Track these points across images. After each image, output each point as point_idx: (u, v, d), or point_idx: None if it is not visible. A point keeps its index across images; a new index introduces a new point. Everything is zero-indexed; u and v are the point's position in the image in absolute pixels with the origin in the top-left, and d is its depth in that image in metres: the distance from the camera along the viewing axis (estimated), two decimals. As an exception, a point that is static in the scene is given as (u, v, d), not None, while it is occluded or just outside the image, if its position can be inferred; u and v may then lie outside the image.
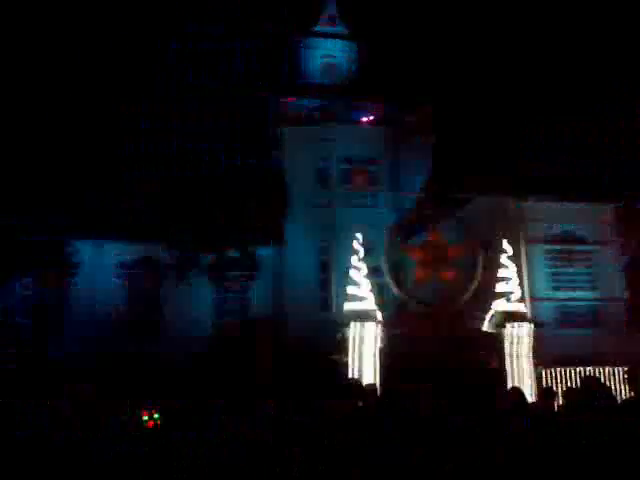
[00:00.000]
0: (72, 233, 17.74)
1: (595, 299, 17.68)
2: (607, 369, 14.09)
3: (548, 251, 17.84)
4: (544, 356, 14.55)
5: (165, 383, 12.69)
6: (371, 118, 24.17)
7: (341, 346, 15.29)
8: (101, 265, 20.37)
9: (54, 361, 15.56)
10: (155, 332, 19.84)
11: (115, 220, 18.63)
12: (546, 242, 17.81)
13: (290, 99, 24.71)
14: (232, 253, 18.24)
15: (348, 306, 15.86)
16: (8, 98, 16.67)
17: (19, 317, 15.93)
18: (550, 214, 17.80)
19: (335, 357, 14.99)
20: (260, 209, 17.90)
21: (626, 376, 6.14)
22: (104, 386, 8.20)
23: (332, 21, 27.99)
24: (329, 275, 21.83)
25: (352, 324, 15.08)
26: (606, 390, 5.21)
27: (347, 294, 17.80)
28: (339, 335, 15.58)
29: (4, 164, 15.26)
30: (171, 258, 18.73)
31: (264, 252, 19.85)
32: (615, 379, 14.26)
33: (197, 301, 19.48)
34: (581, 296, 17.65)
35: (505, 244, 15.85)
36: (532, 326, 14.83)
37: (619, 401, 5.75)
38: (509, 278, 15.47)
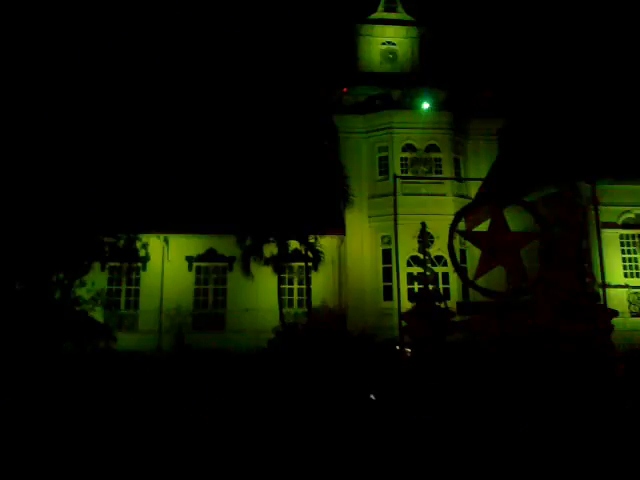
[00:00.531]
0: (139, 228, 18.32)
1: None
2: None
3: (622, 236, 16.97)
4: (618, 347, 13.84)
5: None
6: (433, 104, 23.63)
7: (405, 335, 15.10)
8: (169, 259, 21.06)
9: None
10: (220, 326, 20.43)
11: (181, 214, 19.12)
12: (621, 227, 16.94)
13: (349, 87, 24.55)
14: (294, 244, 18.33)
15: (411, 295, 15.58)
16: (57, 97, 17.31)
17: (93, 310, 16.62)
18: (624, 197, 16.90)
19: (397, 347, 14.80)
20: (321, 199, 17.89)
21: None
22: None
23: (391, 7, 27.58)
24: (392, 264, 21.66)
25: (417, 311, 14.81)
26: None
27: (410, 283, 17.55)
28: (403, 324, 15.39)
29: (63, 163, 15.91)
30: (235, 251, 19.06)
31: (325, 242, 19.89)
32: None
33: (262, 293, 19.78)
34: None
35: (578, 230, 15.19)
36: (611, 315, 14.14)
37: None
38: (585, 265, 14.78)
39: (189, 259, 21.38)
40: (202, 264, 21.46)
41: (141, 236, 18.66)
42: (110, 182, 16.35)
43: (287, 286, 20.77)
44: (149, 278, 20.94)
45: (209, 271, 21.48)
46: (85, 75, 18.96)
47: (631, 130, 17.30)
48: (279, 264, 17.77)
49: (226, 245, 20.23)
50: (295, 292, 21.25)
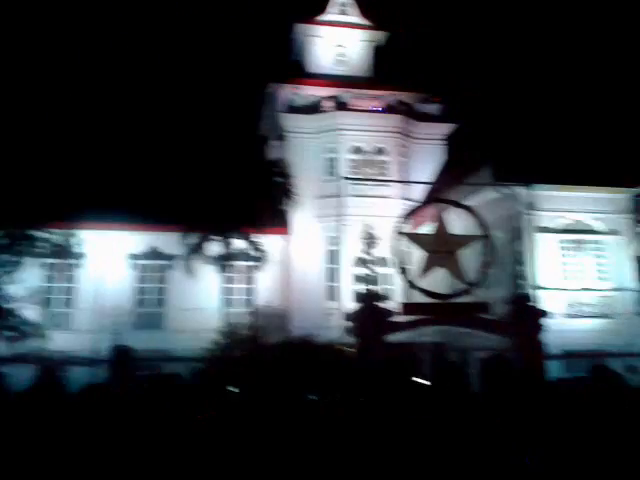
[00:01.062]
0: (76, 223, 17.71)
1: (605, 290, 17.39)
2: (615, 360, 13.81)
3: (559, 241, 17.57)
4: (552, 347, 14.33)
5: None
6: (382, 108, 23.88)
7: (347, 335, 15.19)
8: (108, 256, 20.47)
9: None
10: (159, 325, 20.01)
11: (120, 210, 18.61)
12: (557, 232, 17.54)
13: (299, 87, 24.52)
14: (239, 243, 18.12)
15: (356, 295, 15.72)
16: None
17: (24, 309, 15.92)
18: (561, 203, 17.51)
19: (340, 346, 14.88)
20: (267, 198, 17.77)
21: None
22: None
23: (343, 10, 27.70)
24: (337, 265, 21.77)
25: (360, 312, 14.93)
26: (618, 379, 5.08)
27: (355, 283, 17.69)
28: (346, 324, 15.48)
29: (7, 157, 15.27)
30: (178, 249, 18.69)
31: (271, 242, 19.78)
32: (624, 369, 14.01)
33: (204, 293, 19.48)
34: (591, 286, 17.37)
35: (515, 233, 15.66)
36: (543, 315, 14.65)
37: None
38: (521, 268, 15.28)
39: (130, 257, 20.85)
40: (143, 262, 20.94)
41: (79, 232, 18.01)
42: (45, 175, 15.73)
43: (231, 285, 20.50)
44: (87, 276, 20.30)
45: (150, 269, 21.00)
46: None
47: (568, 137, 17.93)
48: (223, 263, 17.53)
49: (169, 243, 19.80)
50: (239, 292, 21.02)
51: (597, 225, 17.85)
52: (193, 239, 17.60)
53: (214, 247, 17.69)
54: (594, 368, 5.06)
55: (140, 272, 21.00)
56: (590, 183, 17.09)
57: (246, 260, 18.34)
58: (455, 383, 5.17)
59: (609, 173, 17.18)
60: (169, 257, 20.46)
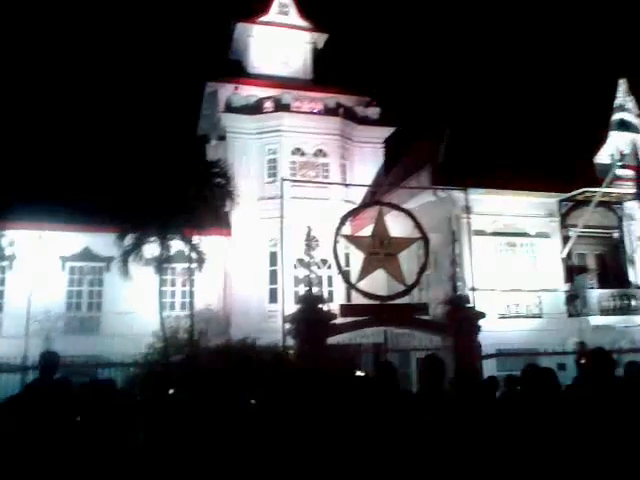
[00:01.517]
0: (6, 222, 16.91)
1: (537, 290, 18.11)
2: (548, 358, 14.38)
3: (493, 243, 18.16)
4: (487, 346, 14.78)
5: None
6: (323, 110, 23.99)
7: (288, 337, 15.17)
8: (39, 258, 19.61)
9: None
10: (94, 330, 19.38)
11: (53, 208, 17.89)
12: (491, 234, 18.12)
13: (238, 88, 24.32)
14: (177, 245, 17.75)
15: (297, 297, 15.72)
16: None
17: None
18: (495, 207, 18.11)
19: (281, 350, 14.82)
20: (207, 199, 17.47)
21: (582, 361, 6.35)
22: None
23: (284, 11, 27.67)
24: (278, 267, 21.69)
25: (300, 314, 14.92)
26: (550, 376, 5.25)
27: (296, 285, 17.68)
28: (287, 326, 15.46)
29: None
30: (113, 250, 18.09)
31: (211, 243, 19.49)
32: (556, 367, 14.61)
33: (141, 296, 18.96)
34: (524, 287, 18.04)
35: (452, 236, 16.07)
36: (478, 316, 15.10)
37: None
38: (458, 269, 15.69)
39: (62, 258, 20.06)
40: (77, 264, 20.19)
41: (9, 232, 17.19)
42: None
43: (169, 288, 20.08)
44: (17, 278, 19.38)
45: (84, 271, 20.28)
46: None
47: (502, 142, 18.55)
48: (160, 265, 17.10)
49: (104, 244, 19.12)
50: (178, 294, 20.60)
51: (529, 228, 18.56)
52: (129, 240, 17.08)
53: (151, 249, 17.24)
54: (525, 366, 5.26)
55: (74, 274, 20.25)
56: (522, 188, 17.74)
57: (185, 262, 17.96)
58: (389, 382, 5.23)
59: (540, 179, 17.88)
60: (104, 259, 19.82)
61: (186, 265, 17.88)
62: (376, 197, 20.73)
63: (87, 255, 20.15)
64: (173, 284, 20.51)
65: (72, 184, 19.15)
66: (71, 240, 19.93)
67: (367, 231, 16.93)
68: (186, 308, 18.42)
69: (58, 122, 23.63)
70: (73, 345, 16.60)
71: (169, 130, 19.10)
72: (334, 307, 16.58)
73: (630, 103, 19.60)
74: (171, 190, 16.01)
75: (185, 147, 19.14)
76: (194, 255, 17.36)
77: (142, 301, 18.83)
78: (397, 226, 16.90)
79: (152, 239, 16.95)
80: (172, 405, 7.08)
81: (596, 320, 17.26)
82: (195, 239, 17.35)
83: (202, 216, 16.96)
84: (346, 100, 25.25)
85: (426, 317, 15.52)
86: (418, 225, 16.14)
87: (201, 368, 13.04)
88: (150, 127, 19.50)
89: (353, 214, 18.27)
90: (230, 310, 20.63)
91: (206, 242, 18.24)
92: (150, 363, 15.26)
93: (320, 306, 15.21)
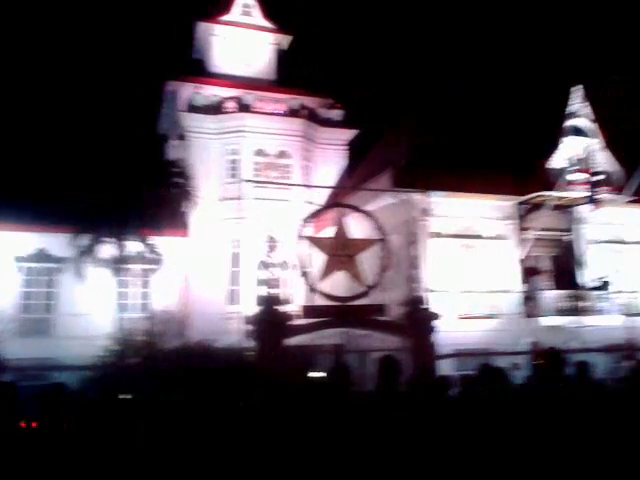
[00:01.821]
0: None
1: (493, 291, 18.45)
2: (504, 358, 14.66)
3: (451, 245, 18.43)
4: (443, 346, 15.00)
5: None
6: (286, 111, 23.95)
7: (248, 339, 15.09)
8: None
9: None
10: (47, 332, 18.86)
11: (4, 207, 17.35)
12: (449, 237, 18.39)
13: (200, 87, 24.08)
14: (134, 246, 17.43)
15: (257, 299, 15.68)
16: None
17: None
18: (454, 210, 18.38)
19: (240, 351, 14.74)
20: (166, 199, 17.23)
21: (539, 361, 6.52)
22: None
23: (247, 11, 27.54)
24: (238, 268, 21.55)
25: (260, 316, 14.86)
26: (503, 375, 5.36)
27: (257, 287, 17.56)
28: (247, 328, 15.38)
29: None
30: (68, 251, 17.66)
31: (170, 244, 19.22)
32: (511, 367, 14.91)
33: (96, 297, 18.54)
34: (481, 288, 18.36)
35: (411, 238, 16.27)
36: (434, 317, 15.32)
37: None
38: (416, 271, 15.89)
39: (17, 259, 19.44)
40: (31, 265, 19.54)
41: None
42: None
43: (126, 290, 19.69)
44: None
45: (39, 272, 19.69)
46: None
47: (462, 146, 18.84)
48: (117, 266, 16.77)
49: (59, 245, 18.59)
50: (135, 296, 20.21)
51: (486, 231, 18.90)
52: (85, 241, 16.71)
53: (108, 249, 16.90)
54: (480, 366, 5.38)
55: (26, 275, 19.64)
56: (480, 191, 18.06)
57: (142, 263, 17.66)
58: (344, 382, 5.28)
59: (497, 182, 18.25)
60: (59, 260, 19.28)
61: (143, 266, 17.60)
62: (338, 199, 20.81)
63: (42, 256, 19.56)
64: (129, 285, 20.12)
65: (26, 183, 18.60)
66: (26, 241, 19.34)
67: (329, 233, 17.00)
68: (143, 310, 18.12)
69: (9, 119, 22.93)
70: (26, 348, 16.17)
71: (127, 128, 18.73)
72: (295, 308, 16.56)
73: (586, 109, 20.18)
74: (128, 190, 15.73)
75: (144, 146, 18.80)
76: (151, 256, 17.10)
77: (98, 303, 18.43)
78: (358, 228, 17.00)
79: (108, 239, 16.63)
80: (125, 409, 6.95)
81: (548, 321, 17.70)
82: (153, 240, 17.08)
83: (160, 216, 16.72)
84: (309, 102, 25.27)
85: (385, 318, 15.66)
86: (379, 227, 16.27)
87: (158, 371, 12.86)
88: (107, 125, 19.08)
89: (315, 216, 18.30)
90: (189, 312, 20.35)
91: (164, 243, 18.00)
92: (105, 366, 14.98)
93: (280, 307, 15.19)
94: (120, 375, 13.93)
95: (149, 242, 16.97)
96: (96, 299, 18.45)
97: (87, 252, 16.61)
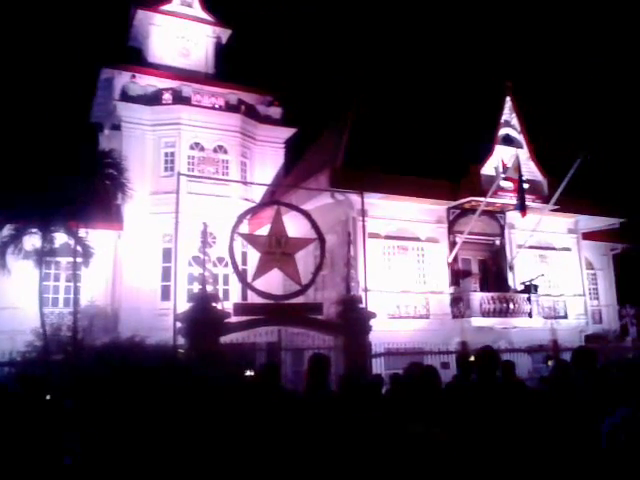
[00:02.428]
0: None
1: (425, 292, 18.93)
2: (433, 357, 15.06)
3: (386, 246, 18.76)
4: (376, 345, 15.23)
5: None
6: (224, 106, 23.63)
7: (179, 336, 14.80)
8: None
9: None
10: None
11: None
12: (383, 238, 18.71)
13: (136, 77, 23.40)
14: (62, 238, 16.73)
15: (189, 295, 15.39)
16: None
17: None
18: (389, 211, 18.72)
19: (170, 348, 14.40)
20: (96, 191, 16.60)
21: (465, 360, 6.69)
22: None
23: (187, 2, 27.03)
24: (172, 263, 21.08)
25: (193, 312, 14.60)
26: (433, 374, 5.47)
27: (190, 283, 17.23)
28: (179, 325, 15.07)
29: None
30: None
31: (100, 237, 18.58)
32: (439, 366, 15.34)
33: (20, 290, 17.67)
34: (413, 289, 18.80)
35: (347, 238, 16.43)
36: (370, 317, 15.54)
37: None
38: (352, 271, 16.06)
39: None
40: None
41: None
42: None
43: (52, 283, 18.87)
44: None
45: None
46: None
47: (398, 149, 19.21)
48: (42, 258, 16.02)
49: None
50: (62, 290, 19.41)
51: (419, 233, 19.36)
52: (7, 231, 15.88)
53: (33, 240, 16.13)
54: (410, 364, 5.49)
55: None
56: (414, 194, 18.47)
57: (70, 256, 16.95)
58: (273, 381, 5.29)
59: (431, 186, 18.72)
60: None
61: (71, 259, 16.90)
62: (275, 197, 20.75)
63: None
64: (57, 279, 19.32)
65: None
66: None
67: (265, 230, 16.91)
68: (70, 304, 17.41)
69: None
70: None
71: (58, 115, 17.95)
72: (229, 306, 16.38)
73: (515, 120, 21.04)
74: (56, 179, 15.04)
75: (75, 134, 18.07)
76: (80, 249, 16.43)
77: (21, 296, 17.57)
78: (294, 226, 17.00)
79: (33, 230, 15.86)
80: (51, 411, 6.64)
81: (478, 322, 18.32)
82: (82, 232, 16.43)
83: (91, 208, 16.10)
84: (248, 98, 25.07)
85: (320, 317, 15.75)
86: (315, 226, 16.34)
87: (82, 370, 12.39)
88: (37, 111, 18.23)
89: (251, 212, 18.18)
90: (119, 307, 19.77)
91: (94, 236, 17.35)
92: (28, 362, 14.30)
93: (213, 304, 14.98)
94: (43, 372, 13.32)
95: (78, 234, 16.30)
96: (20, 292, 17.58)
97: (10, 243, 15.78)
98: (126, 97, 22.48)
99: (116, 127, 22.86)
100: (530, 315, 19.10)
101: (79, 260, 16.68)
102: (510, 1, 46.29)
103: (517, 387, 5.81)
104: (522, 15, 49.35)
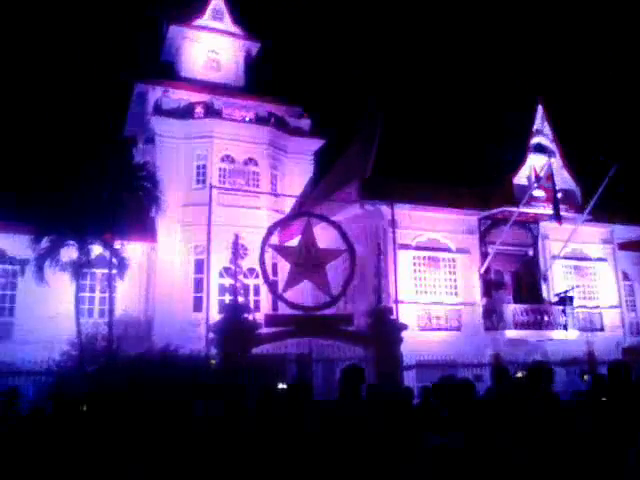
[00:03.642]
0: None
1: (457, 304, 18.72)
2: (466, 369, 14.90)
3: (415, 257, 18.61)
4: (408, 357, 15.12)
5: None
6: (255, 119, 23.89)
7: (212, 347, 14.96)
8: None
9: None
10: (7, 336, 18.30)
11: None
12: (414, 249, 18.58)
13: (169, 91, 23.85)
14: (98, 249, 17.10)
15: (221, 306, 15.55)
16: None
17: None
18: (419, 222, 18.61)
19: (204, 358, 14.57)
20: (131, 203, 16.96)
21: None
22: None
23: (218, 17, 27.49)
24: (204, 275, 21.34)
25: (224, 323, 14.74)
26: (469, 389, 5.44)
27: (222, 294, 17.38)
28: (211, 335, 15.24)
29: None
30: (29, 253, 17.20)
31: (134, 249, 18.93)
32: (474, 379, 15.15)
33: (58, 301, 18.08)
34: (444, 300, 18.61)
35: (378, 249, 16.41)
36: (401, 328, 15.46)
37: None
38: (382, 282, 16.03)
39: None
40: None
41: None
42: None
43: (88, 294, 19.29)
44: None
45: (-4, 274, 19.14)
46: None
47: (428, 159, 19.13)
48: (78, 270, 16.40)
49: (18, 246, 18.10)
50: (97, 301, 19.81)
51: (449, 243, 19.19)
52: (45, 243, 16.31)
53: (70, 252, 16.53)
54: (442, 377, 5.46)
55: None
56: (445, 204, 18.34)
57: (106, 268, 17.31)
58: (306, 397, 5.32)
59: (462, 196, 18.58)
60: (19, 261, 18.77)
61: (106, 271, 17.24)
62: (305, 208, 20.84)
63: (1, 257, 19.03)
64: (92, 290, 19.73)
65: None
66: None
67: (295, 242, 17.00)
68: (105, 315, 17.74)
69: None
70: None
71: (94, 129, 18.42)
72: (260, 317, 16.48)
73: (546, 128, 20.76)
74: (92, 192, 15.42)
75: (110, 148, 18.49)
76: (115, 261, 16.77)
77: (58, 307, 17.99)
78: (325, 237, 17.06)
79: (70, 242, 16.26)
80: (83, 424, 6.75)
81: (511, 334, 18.04)
82: (117, 244, 16.78)
83: (125, 221, 16.44)
84: (278, 110, 25.30)
85: (350, 328, 15.73)
86: (345, 237, 16.37)
87: (119, 376, 12.61)
88: (74, 125, 18.73)
89: (281, 224, 18.30)
90: (152, 318, 20.06)
91: (129, 247, 17.70)
92: (63, 372, 14.61)
93: (245, 315, 15.11)
94: (78, 382, 13.59)
95: (113, 246, 16.65)
96: (57, 303, 18.01)
97: (48, 255, 16.21)
98: (159, 111, 22.91)
99: (150, 141, 23.29)
100: (565, 327, 18.70)
101: (114, 272, 17.01)
102: (544, 12, 45.82)
103: (553, 400, 5.71)
104: (557, 23, 48.81)
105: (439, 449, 4.21)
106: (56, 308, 18.08)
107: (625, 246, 23.02)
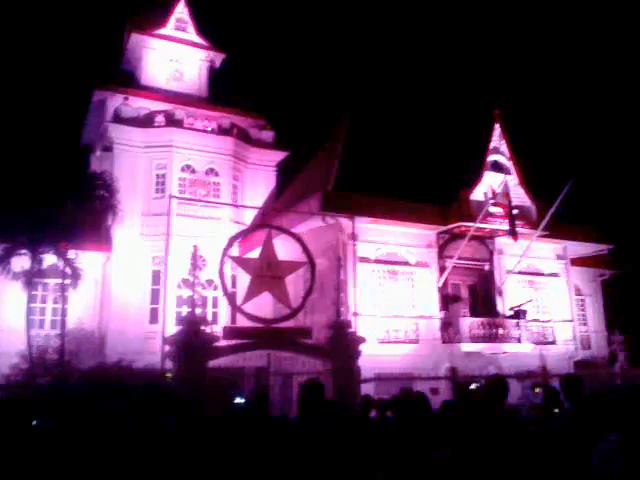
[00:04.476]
0: None
1: (415, 317, 18.89)
2: (422, 382, 15.01)
3: (375, 270, 18.74)
4: (366, 370, 15.15)
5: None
6: (217, 129, 23.75)
7: (168, 359, 14.65)
8: None
9: None
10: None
11: None
12: (374, 262, 18.71)
13: (129, 99, 23.51)
14: (51, 259, 16.61)
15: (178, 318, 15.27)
16: None
17: None
18: (379, 236, 18.76)
19: (159, 373, 14.27)
20: (86, 213, 16.56)
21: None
22: None
23: (182, 26, 27.32)
24: (161, 286, 20.97)
25: (181, 336, 14.47)
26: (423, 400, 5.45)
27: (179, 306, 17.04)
28: (167, 348, 14.93)
29: None
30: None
31: (89, 259, 18.47)
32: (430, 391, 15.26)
33: (7, 312, 17.46)
34: (403, 313, 18.76)
35: (339, 262, 16.45)
36: (360, 341, 15.47)
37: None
38: (342, 295, 16.04)
39: None
40: None
41: None
42: None
43: (39, 305, 18.70)
44: None
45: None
46: None
47: (388, 174, 19.34)
48: (30, 280, 15.89)
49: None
50: (49, 312, 19.22)
51: (409, 257, 19.41)
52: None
53: (23, 262, 16.01)
54: (400, 390, 5.49)
55: None
56: (404, 219, 18.55)
57: (59, 277, 16.82)
58: (264, 412, 5.25)
59: (421, 211, 18.83)
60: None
61: (59, 281, 16.76)
62: (266, 220, 20.76)
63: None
64: (44, 300, 19.14)
65: None
66: None
67: (255, 253, 16.89)
68: (57, 326, 17.22)
69: None
70: None
71: (49, 136, 17.97)
72: (218, 329, 16.26)
73: (503, 146, 21.29)
74: (46, 200, 14.99)
75: (66, 155, 18.08)
76: (69, 270, 16.32)
77: (8, 318, 17.37)
78: (285, 250, 17.00)
79: (22, 251, 15.76)
80: (35, 437, 6.53)
81: (467, 347, 18.29)
82: (71, 253, 16.33)
83: (80, 230, 16.04)
84: (240, 121, 25.24)
85: (309, 341, 15.66)
86: (305, 249, 16.34)
87: (69, 394, 12.23)
88: (28, 132, 18.25)
89: (242, 235, 18.15)
90: (106, 330, 19.57)
91: (83, 257, 17.25)
92: (13, 385, 14.09)
93: (202, 328, 14.86)
94: (28, 396, 13.13)
95: (66, 256, 16.20)
96: (8, 314, 17.39)
97: (-1, 263, 15.68)
98: (118, 119, 22.54)
99: (108, 149, 22.87)
100: (519, 340, 19.09)
101: (67, 282, 16.55)
102: (501, 27, 47.17)
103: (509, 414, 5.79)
104: (514, 41, 50.33)
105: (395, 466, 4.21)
106: (5, 320, 17.47)
107: (578, 262, 23.75)
